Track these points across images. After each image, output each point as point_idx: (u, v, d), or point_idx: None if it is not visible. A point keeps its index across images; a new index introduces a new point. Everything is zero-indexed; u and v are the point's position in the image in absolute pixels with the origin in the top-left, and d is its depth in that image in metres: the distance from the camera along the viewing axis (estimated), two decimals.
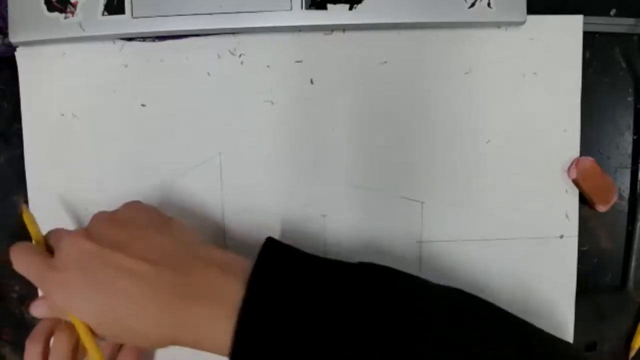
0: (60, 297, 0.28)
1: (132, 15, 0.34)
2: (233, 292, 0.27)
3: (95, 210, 0.36)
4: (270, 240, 0.30)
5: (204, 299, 0.27)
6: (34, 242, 0.32)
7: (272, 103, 0.36)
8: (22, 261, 0.30)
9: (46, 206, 0.36)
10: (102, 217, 0.31)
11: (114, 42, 0.36)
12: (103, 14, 0.34)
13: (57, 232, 0.32)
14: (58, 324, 0.31)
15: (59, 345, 0.30)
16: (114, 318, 0.27)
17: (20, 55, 0.36)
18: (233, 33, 0.35)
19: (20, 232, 0.37)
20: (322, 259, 0.30)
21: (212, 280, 0.28)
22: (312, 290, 0.27)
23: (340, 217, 0.37)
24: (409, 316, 0.27)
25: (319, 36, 0.36)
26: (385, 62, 0.36)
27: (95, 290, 0.27)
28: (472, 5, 0.34)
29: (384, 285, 0.29)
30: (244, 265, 0.28)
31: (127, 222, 0.30)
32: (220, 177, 0.36)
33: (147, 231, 0.29)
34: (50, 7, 0.34)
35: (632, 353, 0.39)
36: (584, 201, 0.37)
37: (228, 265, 0.29)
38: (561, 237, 0.37)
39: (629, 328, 0.39)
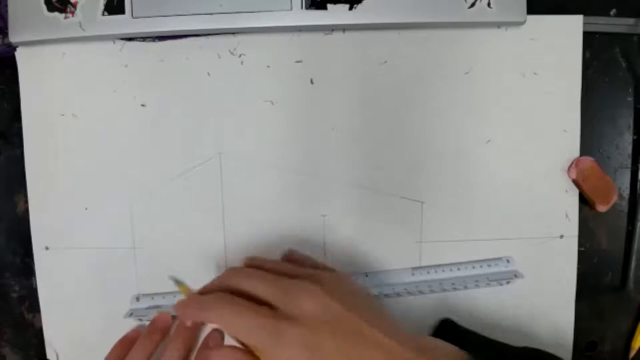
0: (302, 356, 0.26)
1: (132, 15, 0.34)
2: None
3: (95, 209, 0.36)
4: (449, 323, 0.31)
5: None
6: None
7: (272, 103, 0.36)
8: (238, 316, 0.27)
9: (46, 206, 0.36)
10: (339, 278, 0.30)
11: (114, 42, 0.36)
12: (103, 14, 0.34)
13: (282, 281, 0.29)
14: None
15: None
16: None
17: (20, 55, 0.36)
18: (233, 33, 0.35)
19: (20, 232, 0.37)
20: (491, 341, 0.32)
21: None
22: None
23: (340, 217, 0.37)
24: None
25: (319, 36, 0.36)
26: (385, 62, 0.36)
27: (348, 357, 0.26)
28: (472, 5, 0.34)
29: None
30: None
31: (358, 290, 0.30)
32: (220, 177, 0.36)
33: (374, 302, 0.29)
34: (50, 7, 0.34)
35: (632, 353, 0.39)
36: (584, 201, 0.37)
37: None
38: (561, 237, 0.37)
39: (629, 328, 0.39)
